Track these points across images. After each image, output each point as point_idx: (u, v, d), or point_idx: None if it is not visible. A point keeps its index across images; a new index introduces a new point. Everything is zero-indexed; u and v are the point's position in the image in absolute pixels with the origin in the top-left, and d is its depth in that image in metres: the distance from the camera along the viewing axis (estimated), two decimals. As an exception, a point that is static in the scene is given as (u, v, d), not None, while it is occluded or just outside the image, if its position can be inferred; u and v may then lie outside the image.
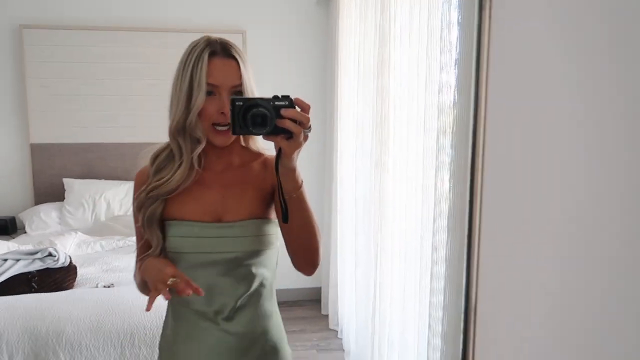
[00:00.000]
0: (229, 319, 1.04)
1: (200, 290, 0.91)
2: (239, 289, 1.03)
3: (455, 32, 1.18)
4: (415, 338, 1.71)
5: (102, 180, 3.27)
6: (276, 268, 1.12)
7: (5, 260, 1.88)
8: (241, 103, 0.88)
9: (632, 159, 0.64)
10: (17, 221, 3.16)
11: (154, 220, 1.02)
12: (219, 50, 0.99)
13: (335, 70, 2.93)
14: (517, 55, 0.90)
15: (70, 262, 1.99)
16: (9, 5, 3.17)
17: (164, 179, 1.01)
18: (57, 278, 1.89)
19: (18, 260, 1.88)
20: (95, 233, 2.82)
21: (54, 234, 2.81)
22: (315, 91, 3.37)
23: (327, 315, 3.17)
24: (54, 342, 1.66)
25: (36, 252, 1.92)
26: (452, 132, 1.21)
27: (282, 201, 0.96)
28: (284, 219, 0.97)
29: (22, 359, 1.66)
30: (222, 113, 0.98)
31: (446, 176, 1.29)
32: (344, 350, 2.77)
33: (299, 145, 0.89)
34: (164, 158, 1.04)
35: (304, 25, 3.40)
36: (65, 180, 3.22)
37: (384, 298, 1.98)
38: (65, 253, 2.00)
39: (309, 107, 0.89)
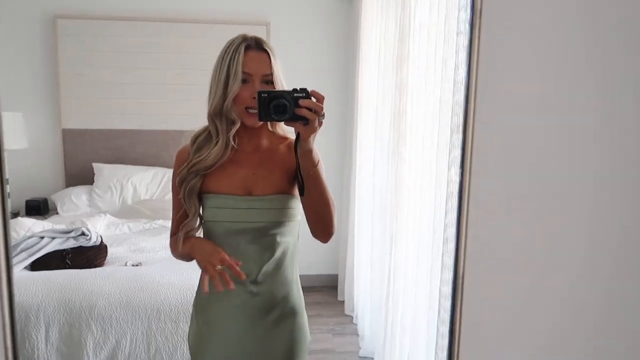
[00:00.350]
0: (254, 282, 1.18)
1: (243, 276, 1.10)
2: (265, 256, 1.18)
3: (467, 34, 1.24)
4: (425, 325, 1.78)
5: (130, 165, 3.41)
6: (297, 241, 1.26)
7: (42, 237, 2.01)
8: (266, 95, 1.06)
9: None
10: (49, 202, 3.31)
11: (194, 193, 1.18)
12: (253, 45, 1.15)
13: (356, 63, 2.98)
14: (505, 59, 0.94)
15: (102, 241, 2.12)
16: (44, -4, 3.31)
17: (203, 156, 1.16)
18: (89, 256, 2.02)
19: (54, 238, 2.02)
20: (122, 216, 2.96)
21: (84, 215, 2.95)
22: (336, 83, 3.43)
23: (342, 302, 3.26)
24: (86, 315, 1.79)
25: (70, 231, 2.05)
26: (463, 131, 1.27)
27: (299, 177, 1.13)
28: (300, 193, 1.15)
29: (58, 329, 1.79)
30: (254, 98, 1.11)
31: (458, 171, 1.36)
32: (358, 335, 2.86)
33: (314, 130, 1.06)
34: (203, 138, 1.20)
35: (326, 18, 3.46)
36: (95, 165, 3.36)
37: (397, 285, 2.06)
38: (96, 232, 2.13)
39: (323, 98, 1.06)
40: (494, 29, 0.83)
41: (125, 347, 1.81)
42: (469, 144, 0.97)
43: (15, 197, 3.33)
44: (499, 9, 0.83)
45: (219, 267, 1.08)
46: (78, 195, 3.18)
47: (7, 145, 3.12)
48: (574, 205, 0.92)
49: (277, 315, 1.22)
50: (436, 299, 1.62)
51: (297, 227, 1.24)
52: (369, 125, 2.77)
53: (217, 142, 1.17)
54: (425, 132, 1.78)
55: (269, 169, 1.19)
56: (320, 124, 1.06)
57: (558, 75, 0.91)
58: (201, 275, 1.23)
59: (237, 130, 1.17)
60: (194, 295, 1.31)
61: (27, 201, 3.28)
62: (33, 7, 3.30)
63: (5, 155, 2.65)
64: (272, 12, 3.44)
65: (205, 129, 1.21)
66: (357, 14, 2.97)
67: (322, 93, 1.06)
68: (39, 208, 3.26)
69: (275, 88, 1.14)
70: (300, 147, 1.09)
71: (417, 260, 1.89)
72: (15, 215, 3.23)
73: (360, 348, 2.71)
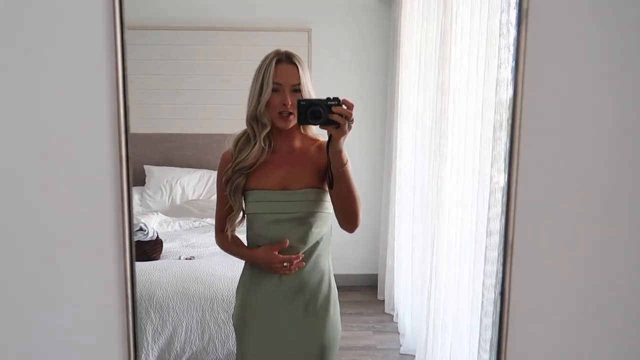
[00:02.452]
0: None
1: (302, 263, 1.37)
2: (300, 244, 1.36)
3: (513, 32, 1.28)
4: (468, 322, 1.81)
5: (178, 167, 3.57)
6: (330, 233, 1.43)
7: (104, 232, 2.15)
8: (304, 103, 1.27)
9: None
10: (104, 202, 3.49)
11: (239, 190, 1.37)
12: (284, 58, 1.34)
13: (396, 67, 3.03)
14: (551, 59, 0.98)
15: (157, 236, 2.26)
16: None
17: (244, 157, 1.35)
18: (146, 249, 2.16)
19: (115, 233, 2.15)
20: (172, 214, 3.11)
21: (138, 214, 3.11)
22: (376, 85, 3.49)
23: (382, 301, 3.30)
24: (146, 303, 1.92)
25: (129, 227, 2.19)
26: (508, 126, 1.31)
27: (330, 173, 1.31)
28: (329, 186, 1.33)
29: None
30: (284, 104, 1.31)
31: (501, 166, 1.40)
32: (399, 333, 2.89)
33: (344, 133, 1.24)
34: (243, 141, 1.38)
35: (367, 23, 3.52)
36: (146, 167, 3.54)
37: (439, 283, 2.09)
38: (153, 228, 2.27)
39: (352, 105, 1.25)
40: (540, 28, 0.88)
41: (181, 335, 1.93)
42: (517, 140, 1.02)
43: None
44: (545, 8, 0.88)
45: (285, 264, 1.33)
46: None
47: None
48: (621, 201, 0.95)
49: (308, 297, 1.38)
50: (478, 295, 1.66)
51: (329, 219, 1.41)
52: (409, 127, 2.82)
53: (255, 144, 1.35)
54: (467, 130, 1.83)
55: (301, 167, 1.37)
56: (349, 127, 1.25)
57: (606, 74, 0.94)
58: (245, 264, 1.46)
59: (273, 134, 1.36)
60: None
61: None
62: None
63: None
64: (314, 18, 3.54)
65: (244, 132, 1.39)
66: (397, 18, 3.02)
67: (351, 101, 1.25)
68: (94, 208, 3.45)
69: (302, 96, 1.32)
70: (332, 147, 1.26)
71: (459, 258, 1.93)
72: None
73: (401, 345, 2.75)
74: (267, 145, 1.36)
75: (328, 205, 1.39)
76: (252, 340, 1.41)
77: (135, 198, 3.36)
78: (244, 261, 1.47)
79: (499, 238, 1.40)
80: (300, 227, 1.36)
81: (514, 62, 1.28)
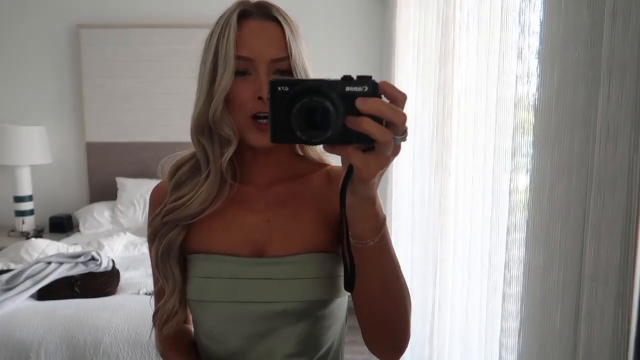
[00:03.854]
0: None
1: None
2: (286, 358, 0.74)
3: (538, 11, 0.99)
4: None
5: (154, 179, 3.25)
6: (346, 326, 0.82)
7: (49, 263, 1.84)
8: (286, 88, 0.53)
9: None
10: (73, 219, 3.20)
11: (171, 255, 0.76)
12: (254, 12, 0.73)
13: (391, 67, 2.74)
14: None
15: (114, 266, 1.93)
16: (65, 6, 3.21)
17: (184, 199, 0.75)
18: (99, 283, 1.83)
19: (61, 263, 1.84)
20: (144, 234, 2.79)
21: (105, 233, 2.81)
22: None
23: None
24: (91, 354, 1.59)
25: (79, 256, 1.88)
26: (533, 129, 1.02)
27: (346, 253, 0.62)
28: (347, 286, 0.63)
29: (60, 369, 1.60)
30: (260, 98, 0.70)
31: (523, 180, 1.11)
32: (398, 366, 2.58)
33: (385, 163, 0.54)
34: (186, 170, 0.77)
35: (359, 16, 3.23)
36: (118, 180, 3.22)
37: (443, 319, 1.78)
38: (108, 257, 1.95)
39: (405, 97, 0.53)
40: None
41: (133, 392, 1.60)
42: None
43: (39, 213, 3.24)
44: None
45: None
46: (100, 212, 3.04)
47: (31, 160, 3.04)
48: None
49: None
50: (494, 339, 1.36)
51: (344, 306, 0.79)
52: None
53: (207, 176, 0.75)
54: (476, 135, 1.52)
55: (293, 211, 0.76)
56: (397, 149, 0.55)
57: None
58: None
59: (241, 154, 0.77)
60: None
61: (50, 218, 3.18)
62: (55, 18, 3.21)
63: (29, 170, 2.50)
64: (302, 11, 3.22)
65: (193, 155, 0.78)
66: (392, 12, 2.74)
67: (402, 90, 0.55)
68: (62, 225, 3.15)
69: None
70: (353, 194, 0.58)
71: (467, 290, 1.62)
72: (40, 232, 3.13)
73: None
74: (228, 178, 0.76)
75: (342, 283, 0.74)
76: None
77: (106, 214, 3.04)
78: None
79: (522, 269, 1.13)
80: (287, 330, 0.74)
81: (540, 45, 1.00)
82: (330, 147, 0.55)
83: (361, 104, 0.51)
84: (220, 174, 0.74)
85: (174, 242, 0.76)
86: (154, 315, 0.81)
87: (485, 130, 1.48)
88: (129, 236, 2.66)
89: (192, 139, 0.76)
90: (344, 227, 0.61)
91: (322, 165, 0.82)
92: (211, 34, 0.74)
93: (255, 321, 0.73)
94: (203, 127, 0.74)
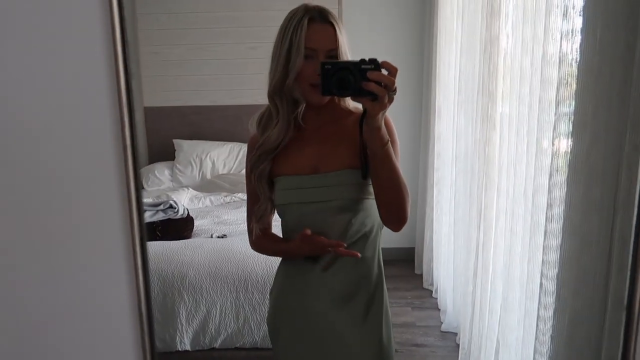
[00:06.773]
0: (329, 265, 1.12)
1: (358, 254, 1.08)
2: (341, 238, 1.09)
3: None
4: (521, 299, 1.67)
5: (207, 141, 3.48)
6: (382, 224, 1.15)
7: (134, 211, 2.08)
8: (330, 67, 0.98)
9: None
10: (135, 178, 3.47)
11: (263, 178, 1.14)
12: (317, 17, 1.07)
13: (434, 20, 2.82)
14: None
15: (188, 213, 2.18)
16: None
17: (265, 135, 1.12)
18: (177, 227, 2.08)
19: (144, 211, 2.09)
20: (203, 189, 3.04)
21: (168, 189, 3.06)
22: (412, 42, 3.27)
23: (420, 275, 3.19)
24: (178, 285, 1.85)
25: (159, 204, 2.12)
26: (576, 82, 1.14)
27: (362, 158, 1.06)
28: (363, 175, 1.08)
29: (153, 298, 1.86)
30: (319, 75, 1.02)
31: (563, 131, 1.24)
32: (439, 309, 2.78)
33: (383, 107, 0.96)
34: (265, 119, 1.15)
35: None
36: (175, 141, 3.47)
37: (486, 258, 1.95)
38: (183, 205, 2.19)
39: (396, 70, 0.95)
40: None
41: (215, 317, 1.86)
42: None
43: (105, 174, 3.52)
44: None
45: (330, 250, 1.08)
46: (161, 171, 3.30)
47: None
48: None
49: (355, 301, 1.14)
50: (535, 270, 1.51)
51: (375, 208, 1.13)
52: (449, 88, 2.62)
53: (277, 123, 1.11)
54: (522, 89, 1.64)
55: (335, 143, 1.12)
56: (390, 100, 0.96)
57: None
58: (279, 264, 1.24)
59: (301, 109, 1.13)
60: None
61: (115, 177, 3.45)
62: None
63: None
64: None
65: (267, 108, 1.15)
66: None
67: (395, 65, 0.95)
68: (126, 184, 3.43)
69: None
70: (367, 125, 0.99)
71: (510, 231, 1.77)
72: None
73: (442, 322, 2.64)
74: (293, 121, 1.12)
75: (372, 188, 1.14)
76: (288, 350, 1.20)
77: (166, 173, 3.31)
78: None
79: (561, 208, 1.27)
80: (338, 217, 1.10)
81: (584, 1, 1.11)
82: (354, 98, 1.01)
83: (370, 74, 0.95)
84: (287, 122, 1.11)
85: (264, 170, 1.14)
86: (250, 217, 1.20)
87: (530, 84, 1.59)
88: (192, 191, 2.91)
89: (269, 98, 1.12)
90: (361, 143, 1.05)
91: (352, 112, 1.16)
92: (285, 29, 1.07)
93: (317, 214, 1.10)
94: (277, 90, 1.09)
